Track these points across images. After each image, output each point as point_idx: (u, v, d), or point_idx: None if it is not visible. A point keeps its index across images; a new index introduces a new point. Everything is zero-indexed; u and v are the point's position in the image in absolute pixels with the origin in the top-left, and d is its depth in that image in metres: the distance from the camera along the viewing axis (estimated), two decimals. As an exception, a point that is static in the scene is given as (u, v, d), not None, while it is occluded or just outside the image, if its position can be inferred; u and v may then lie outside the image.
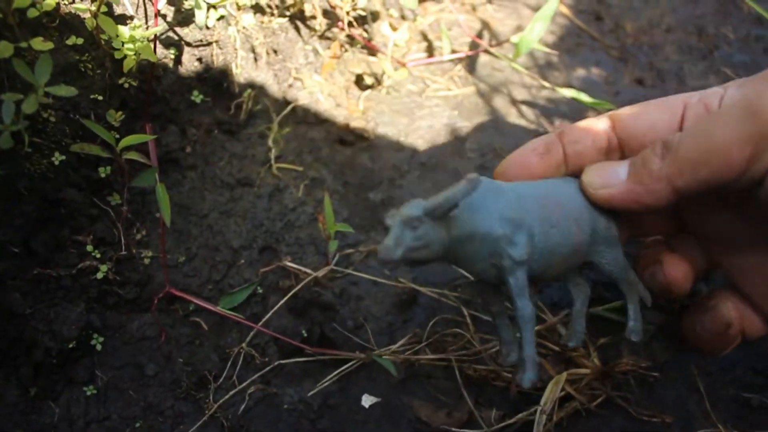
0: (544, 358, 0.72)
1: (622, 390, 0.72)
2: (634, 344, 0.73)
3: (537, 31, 0.95)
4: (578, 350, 0.72)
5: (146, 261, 0.80)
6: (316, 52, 0.98)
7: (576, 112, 1.00)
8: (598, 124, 0.56)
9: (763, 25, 1.20)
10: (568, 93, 0.94)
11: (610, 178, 0.51)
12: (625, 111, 0.55)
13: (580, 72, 1.08)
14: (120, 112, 0.78)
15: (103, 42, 0.75)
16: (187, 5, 0.85)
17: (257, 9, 0.93)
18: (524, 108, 1.01)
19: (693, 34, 1.16)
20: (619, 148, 0.55)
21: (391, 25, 0.93)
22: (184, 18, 0.86)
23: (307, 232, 0.85)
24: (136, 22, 0.77)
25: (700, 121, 0.47)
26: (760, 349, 0.74)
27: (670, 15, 1.20)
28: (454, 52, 1.03)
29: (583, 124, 0.57)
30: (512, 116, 1.00)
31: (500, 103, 1.02)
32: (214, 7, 0.86)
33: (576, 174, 0.56)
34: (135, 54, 0.76)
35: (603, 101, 0.92)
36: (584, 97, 0.94)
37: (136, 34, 0.74)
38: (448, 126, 0.98)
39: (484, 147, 0.96)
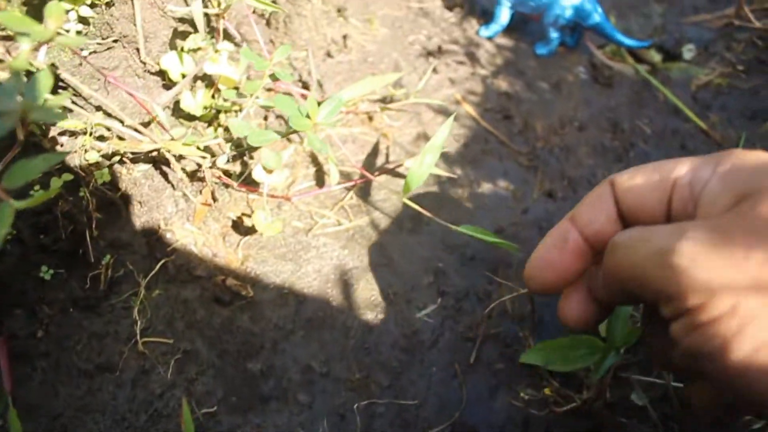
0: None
1: None
2: None
3: (428, 164, 0.86)
4: None
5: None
6: (186, 197, 0.88)
7: (476, 243, 0.92)
8: (602, 195, 0.53)
9: (678, 116, 1.12)
10: (465, 230, 0.86)
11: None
12: (625, 178, 0.52)
13: (486, 187, 0.99)
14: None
15: None
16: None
17: (113, 160, 0.83)
18: (421, 239, 0.93)
19: (607, 131, 1.08)
20: (620, 217, 0.53)
21: (265, 167, 0.84)
22: (21, 191, 0.76)
23: (176, 421, 0.77)
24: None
25: (617, 240, 0.48)
26: None
27: (584, 108, 1.11)
28: (343, 181, 0.94)
29: (588, 200, 0.53)
30: (408, 254, 0.92)
31: (396, 236, 0.93)
32: (57, 170, 0.77)
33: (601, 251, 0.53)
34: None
35: (503, 240, 0.84)
36: (481, 235, 0.86)
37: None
38: (337, 269, 0.89)
39: (377, 294, 0.88)
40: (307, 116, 0.79)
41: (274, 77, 0.85)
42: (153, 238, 0.87)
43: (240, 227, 0.90)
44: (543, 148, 1.05)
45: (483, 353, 0.86)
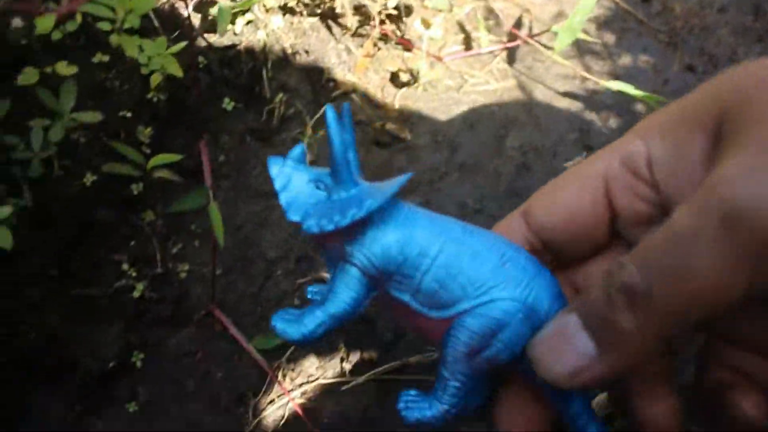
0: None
1: None
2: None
3: (580, 20, 0.90)
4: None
5: (182, 275, 0.79)
6: (348, 50, 0.95)
7: (622, 104, 0.96)
8: (512, 228, 0.42)
9: (823, 0, 1.13)
10: (614, 85, 0.90)
11: (577, 361, 0.34)
12: (537, 202, 0.41)
13: (626, 60, 1.03)
14: (149, 128, 0.77)
15: (129, 57, 0.74)
16: (213, 11, 0.83)
17: (286, 10, 0.90)
18: (567, 101, 0.97)
19: (748, 14, 1.10)
20: (544, 248, 0.40)
21: (424, 20, 0.90)
22: (212, 24, 0.84)
23: (343, 240, 0.84)
24: (161, 36, 0.75)
25: (661, 250, 0.31)
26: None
27: (723, -8, 1.13)
28: (492, 43, 0.99)
29: (496, 229, 0.43)
30: (554, 112, 0.96)
31: (542, 96, 0.98)
32: (241, 12, 0.84)
33: None
34: (161, 68, 0.74)
35: (652, 94, 0.87)
36: (631, 90, 0.89)
37: (161, 49, 0.72)
38: (487, 122, 0.95)
39: (525, 145, 0.93)
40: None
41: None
42: (318, 85, 0.94)
43: (397, 80, 0.96)
44: (682, 27, 1.07)
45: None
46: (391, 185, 0.36)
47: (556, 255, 0.40)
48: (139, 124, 0.76)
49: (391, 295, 0.36)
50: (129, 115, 0.76)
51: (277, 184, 0.36)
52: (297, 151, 0.38)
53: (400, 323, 0.39)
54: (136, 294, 0.75)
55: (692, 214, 0.29)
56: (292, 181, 0.36)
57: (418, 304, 0.36)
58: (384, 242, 0.35)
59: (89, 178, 0.73)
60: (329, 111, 0.35)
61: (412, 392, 0.37)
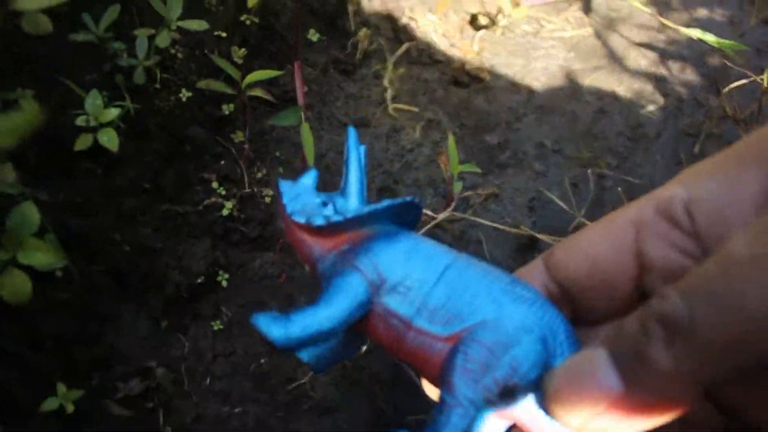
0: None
1: None
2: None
3: (662, -32, 0.90)
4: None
5: (267, 200, 0.80)
6: (429, -10, 0.95)
7: (697, 54, 0.96)
8: (532, 273, 0.37)
9: None
10: (693, 33, 0.89)
11: (597, 397, 0.28)
12: (561, 248, 0.36)
13: (702, 12, 1.02)
14: (243, 49, 0.77)
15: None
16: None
17: (372, -55, 0.91)
18: (643, 50, 0.97)
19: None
20: (564, 297, 0.36)
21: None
22: (303, -46, 0.84)
23: (425, 173, 0.84)
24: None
25: (710, 278, 0.26)
26: None
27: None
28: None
29: (517, 274, 0.37)
30: (630, 59, 0.96)
31: (617, 44, 0.98)
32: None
33: None
34: (259, -11, 0.75)
35: (731, 43, 0.87)
36: (709, 37, 0.89)
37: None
38: (564, 68, 0.95)
39: (602, 91, 0.93)
40: None
41: None
42: (398, 24, 0.94)
43: (476, 23, 0.96)
44: (758, -17, 1.07)
45: (706, 147, 0.89)
46: (401, 200, 0.36)
47: (575, 308, 0.35)
48: (232, 45, 0.77)
49: (389, 310, 0.32)
50: (224, 35, 0.76)
51: (285, 197, 0.36)
52: (309, 176, 0.37)
53: (391, 353, 0.32)
54: (225, 212, 0.76)
55: (751, 241, 0.25)
56: (300, 197, 0.36)
57: (422, 319, 0.31)
58: (392, 250, 0.32)
59: (185, 94, 0.73)
60: (351, 132, 0.34)
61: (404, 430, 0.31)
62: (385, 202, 0.33)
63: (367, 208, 0.32)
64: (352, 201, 0.34)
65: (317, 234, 0.33)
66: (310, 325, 0.30)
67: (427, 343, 0.31)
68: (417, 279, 0.31)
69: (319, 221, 0.32)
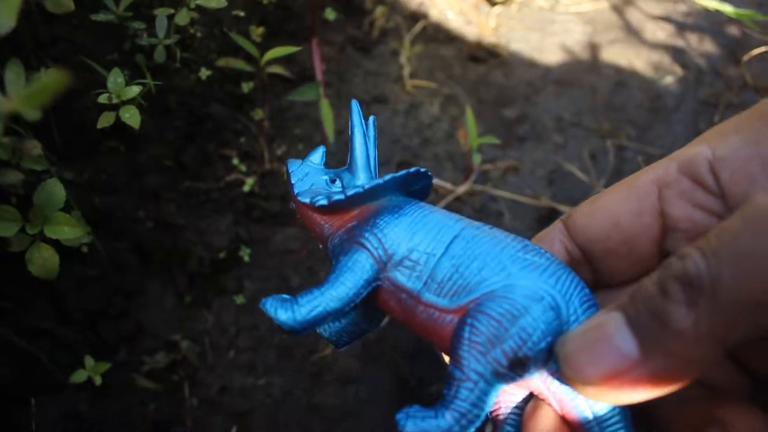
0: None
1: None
2: None
3: (680, -63, 0.89)
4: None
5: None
6: (445, -33, 0.95)
7: (715, 25, 0.95)
8: (551, 236, 0.37)
9: None
10: (710, 4, 0.89)
11: (614, 362, 0.27)
12: (581, 209, 0.36)
13: (721, -17, 1.02)
14: (261, 28, 0.78)
15: (246, -45, 0.75)
16: None
17: (387, -77, 0.91)
18: (660, 22, 0.97)
19: None
20: (585, 260, 0.36)
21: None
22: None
23: (444, 147, 0.84)
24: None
25: (734, 235, 0.25)
26: None
27: None
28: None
29: (535, 240, 0.38)
30: (648, 31, 0.95)
31: (634, 17, 0.97)
32: None
33: None
34: (276, -33, 0.75)
35: (749, 12, 0.86)
36: (727, 8, 0.88)
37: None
38: (581, 42, 0.95)
39: (620, 63, 0.92)
40: None
41: None
42: (414, 1, 0.94)
43: (492, -2, 0.97)
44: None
45: (726, 118, 0.89)
46: (404, 172, 0.33)
47: (595, 271, 0.35)
48: (250, 24, 0.78)
49: (398, 285, 0.31)
50: (242, 14, 0.77)
51: (293, 178, 0.35)
52: (317, 153, 0.37)
53: (407, 324, 0.33)
54: (246, 188, 0.77)
55: (753, 202, 0.24)
56: (309, 176, 0.35)
57: (429, 293, 0.31)
58: (398, 224, 0.32)
59: (204, 73, 0.74)
60: (354, 106, 0.34)
61: (416, 406, 0.30)
62: (388, 176, 0.33)
63: (369, 184, 0.32)
64: (360, 176, 0.34)
65: (324, 212, 0.33)
66: (317, 307, 0.30)
67: (436, 317, 0.30)
68: (423, 252, 0.31)
69: (321, 201, 0.32)
